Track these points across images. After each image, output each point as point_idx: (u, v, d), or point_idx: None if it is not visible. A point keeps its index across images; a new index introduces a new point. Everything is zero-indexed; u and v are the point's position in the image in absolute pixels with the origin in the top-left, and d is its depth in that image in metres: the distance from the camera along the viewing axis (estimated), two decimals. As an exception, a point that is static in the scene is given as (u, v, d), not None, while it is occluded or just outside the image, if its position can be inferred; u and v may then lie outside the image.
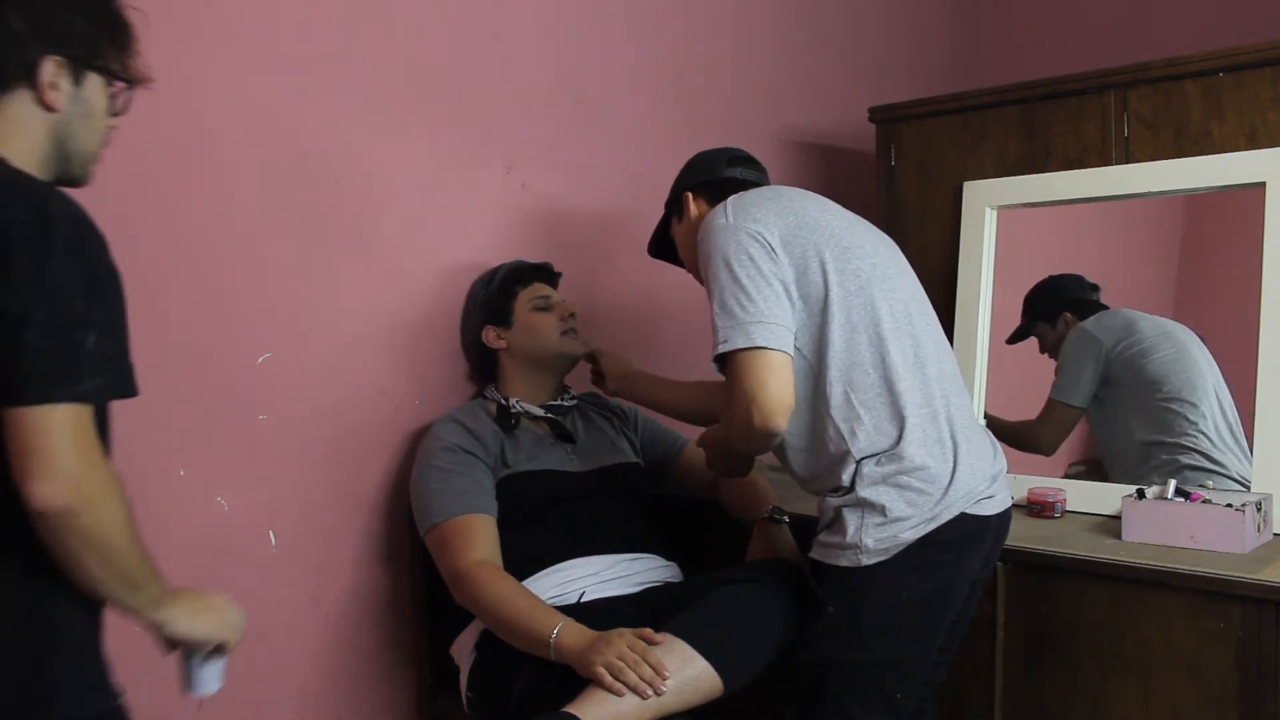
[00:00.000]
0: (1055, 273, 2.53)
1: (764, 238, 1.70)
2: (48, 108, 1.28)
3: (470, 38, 2.31)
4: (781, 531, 2.07)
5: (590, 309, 2.45)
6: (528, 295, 2.23)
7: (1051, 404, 2.45)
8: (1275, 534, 1.93)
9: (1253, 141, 2.19)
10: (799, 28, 3.00)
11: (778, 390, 1.63)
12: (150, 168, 1.83)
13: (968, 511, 1.66)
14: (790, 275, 1.69)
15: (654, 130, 2.67)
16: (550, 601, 1.94)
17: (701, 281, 1.79)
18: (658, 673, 1.67)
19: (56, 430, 1.14)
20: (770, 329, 1.64)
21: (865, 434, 1.66)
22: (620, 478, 2.18)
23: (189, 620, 1.30)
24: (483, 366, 2.28)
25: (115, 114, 1.36)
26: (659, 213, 2.68)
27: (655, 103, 2.67)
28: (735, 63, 2.86)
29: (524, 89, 2.40)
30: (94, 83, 1.31)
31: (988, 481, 1.70)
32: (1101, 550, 1.86)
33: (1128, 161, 2.34)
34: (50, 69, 1.27)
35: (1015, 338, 2.51)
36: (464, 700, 1.99)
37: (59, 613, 1.23)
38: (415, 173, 2.23)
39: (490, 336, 2.23)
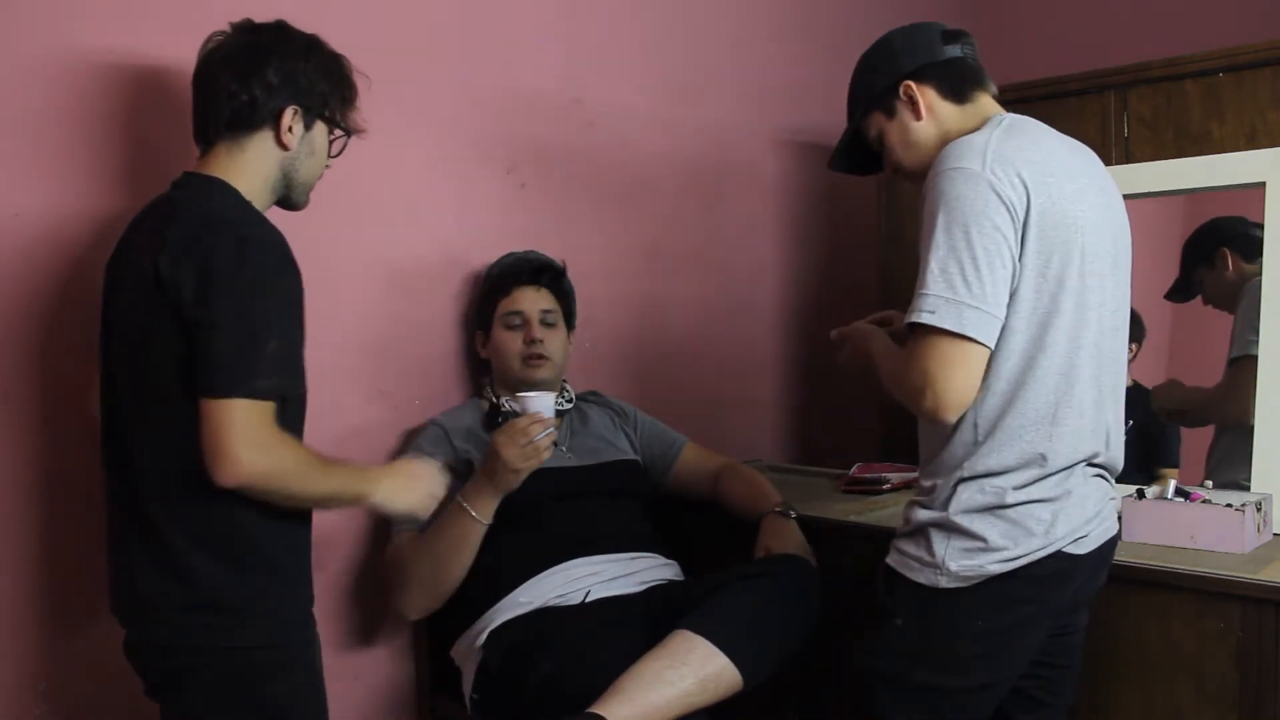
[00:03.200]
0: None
1: (1017, 210, 1.47)
2: (283, 146, 1.58)
3: (470, 37, 2.31)
4: (792, 526, 2.06)
5: (590, 308, 2.45)
6: (504, 308, 2.18)
7: (1246, 363, 2.08)
8: (1275, 534, 1.93)
9: (1253, 141, 2.19)
10: (799, 28, 3.00)
11: (963, 386, 1.47)
12: (151, 168, 1.83)
13: (1064, 550, 1.54)
14: (1018, 258, 1.49)
15: (654, 130, 2.67)
16: (555, 601, 1.95)
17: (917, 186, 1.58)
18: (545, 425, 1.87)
19: (232, 422, 1.39)
20: (985, 319, 1.45)
21: (985, 455, 1.52)
22: (618, 474, 2.18)
23: (393, 498, 1.61)
24: (481, 363, 2.29)
25: (332, 155, 1.67)
26: (659, 212, 2.70)
27: (655, 103, 2.67)
28: (735, 63, 2.86)
29: (524, 89, 2.40)
30: (320, 129, 1.63)
31: (1086, 520, 1.56)
32: (1101, 550, 1.85)
33: (1128, 161, 2.34)
34: (289, 115, 1.57)
35: (1175, 291, 2.28)
36: (468, 702, 1.98)
37: (272, 552, 1.53)
38: (415, 172, 2.23)
39: (479, 344, 2.24)
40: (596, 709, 1.67)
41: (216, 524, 1.48)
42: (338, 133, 1.67)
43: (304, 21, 2.08)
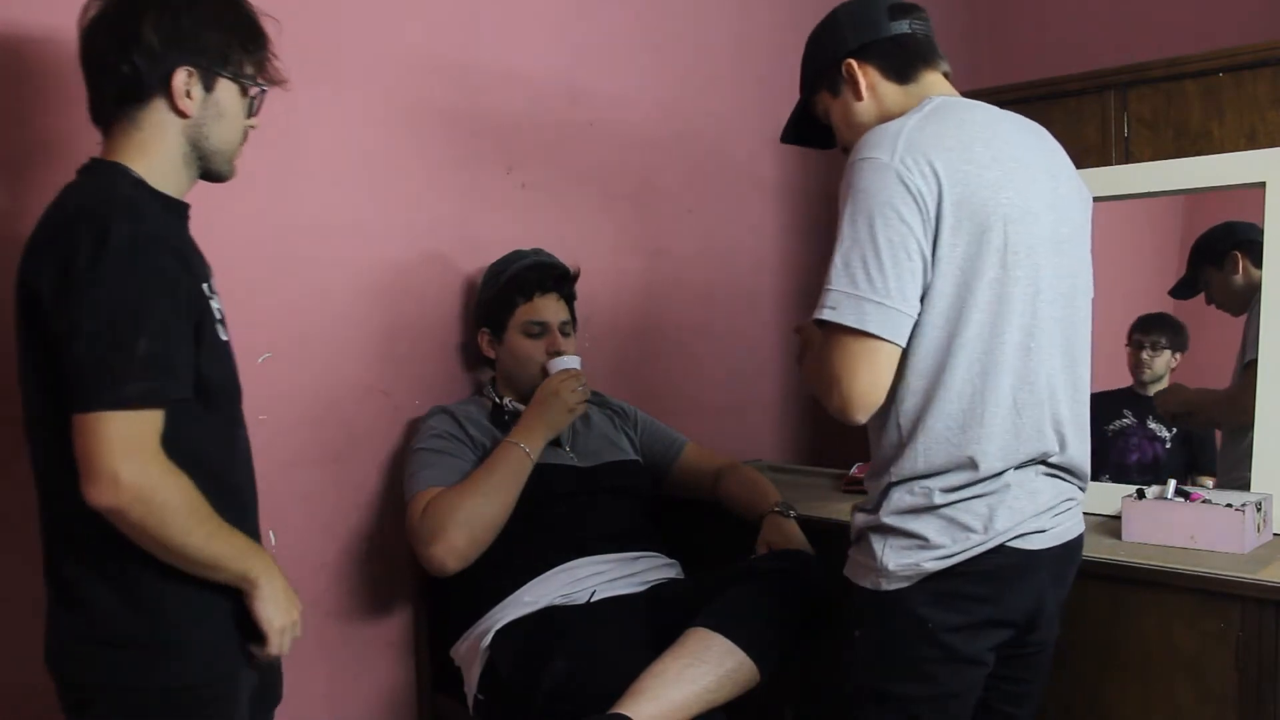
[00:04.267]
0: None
1: (926, 201, 1.41)
2: (181, 114, 1.40)
3: (470, 37, 2.31)
4: (792, 525, 2.07)
5: (590, 309, 2.45)
6: (523, 314, 2.15)
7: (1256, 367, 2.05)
8: (1275, 534, 1.93)
9: (1253, 141, 2.19)
10: (799, 27, 2.99)
11: (868, 385, 1.42)
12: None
13: (1008, 544, 1.47)
14: (930, 251, 1.42)
15: (655, 130, 2.67)
16: (560, 601, 1.96)
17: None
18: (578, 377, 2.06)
19: (104, 436, 1.24)
20: (890, 315, 1.40)
21: (911, 458, 1.48)
22: (621, 474, 2.18)
23: (274, 596, 1.39)
24: (482, 360, 2.28)
25: (253, 114, 1.48)
26: (659, 212, 2.70)
27: (656, 102, 2.67)
28: (735, 63, 2.86)
29: (524, 89, 2.40)
30: (225, 88, 1.43)
31: (1035, 515, 1.50)
32: (1101, 550, 1.85)
33: (1128, 161, 2.34)
34: (182, 78, 1.39)
35: (1181, 289, 2.27)
36: (472, 703, 1.98)
37: (181, 581, 1.35)
38: (415, 172, 2.23)
39: (484, 342, 2.23)
40: (620, 709, 1.67)
41: (114, 551, 1.31)
42: (254, 88, 1.47)
43: (293, 22, 2.07)
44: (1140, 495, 1.94)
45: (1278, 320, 2.05)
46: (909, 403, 1.47)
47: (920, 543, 1.47)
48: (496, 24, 2.35)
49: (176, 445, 1.30)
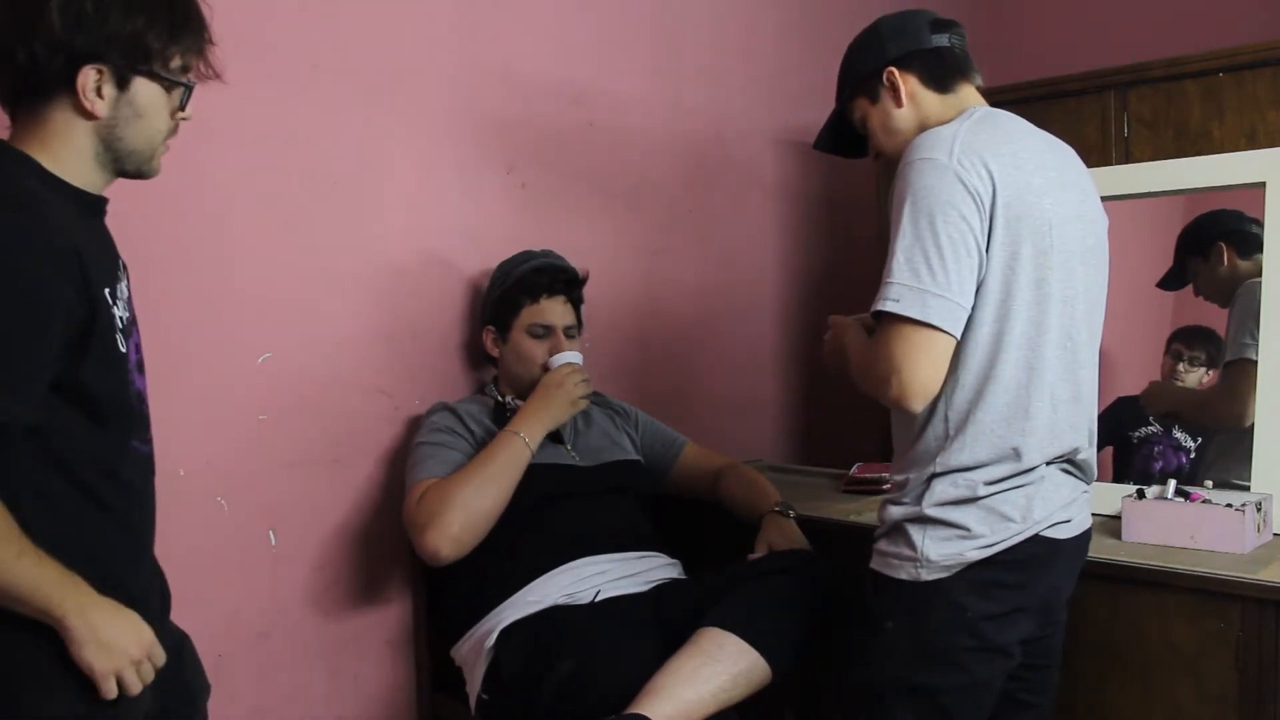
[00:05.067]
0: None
1: (983, 200, 1.48)
2: (87, 116, 1.25)
3: (470, 37, 2.31)
4: (791, 525, 2.08)
5: (590, 309, 2.45)
6: (529, 316, 2.16)
7: (1241, 366, 2.07)
8: (1275, 534, 1.93)
9: (1253, 141, 2.19)
10: (799, 28, 3.00)
11: (928, 374, 1.47)
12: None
13: (1041, 534, 1.54)
14: (985, 249, 1.49)
15: (654, 130, 2.67)
16: (565, 600, 1.96)
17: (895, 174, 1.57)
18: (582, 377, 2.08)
19: None
20: (950, 308, 1.46)
21: (957, 450, 1.53)
22: (622, 474, 2.19)
23: (95, 633, 1.20)
24: (484, 358, 2.28)
25: (180, 108, 1.33)
26: (660, 213, 2.70)
27: (655, 103, 2.67)
28: (737, 62, 2.86)
29: (524, 89, 2.40)
30: (143, 86, 1.28)
31: (1063, 506, 1.57)
32: (1101, 550, 1.85)
33: (1128, 161, 2.34)
34: (90, 78, 1.24)
35: (1169, 280, 2.26)
36: (474, 703, 1.97)
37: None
38: (415, 173, 2.23)
39: (488, 340, 2.22)
40: (636, 708, 1.67)
41: None
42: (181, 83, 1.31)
43: (294, 21, 2.08)
44: (1140, 495, 1.94)
45: (1278, 320, 2.05)
46: (959, 396, 1.53)
47: (962, 532, 1.52)
48: (497, 24, 2.35)
49: (47, 460, 1.20)
